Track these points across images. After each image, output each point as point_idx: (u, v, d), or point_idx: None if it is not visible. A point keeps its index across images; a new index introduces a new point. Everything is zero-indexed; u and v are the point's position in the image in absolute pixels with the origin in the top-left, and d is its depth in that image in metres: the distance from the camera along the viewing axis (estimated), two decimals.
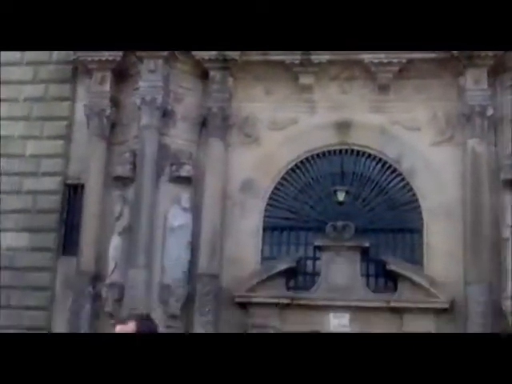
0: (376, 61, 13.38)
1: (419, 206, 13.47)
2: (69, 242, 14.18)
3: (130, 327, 4.44)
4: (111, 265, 13.44)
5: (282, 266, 13.29)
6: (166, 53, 13.60)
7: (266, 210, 13.85)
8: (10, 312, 13.65)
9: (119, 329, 4.20)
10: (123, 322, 4.78)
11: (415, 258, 13.32)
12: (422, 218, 13.42)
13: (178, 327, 12.93)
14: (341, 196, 13.69)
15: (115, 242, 13.54)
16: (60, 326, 13.56)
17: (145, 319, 4.93)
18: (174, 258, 13.41)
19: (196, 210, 13.61)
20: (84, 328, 13.10)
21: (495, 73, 13.25)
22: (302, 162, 14.00)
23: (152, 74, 13.70)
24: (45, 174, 14.33)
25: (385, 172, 13.77)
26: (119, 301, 13.03)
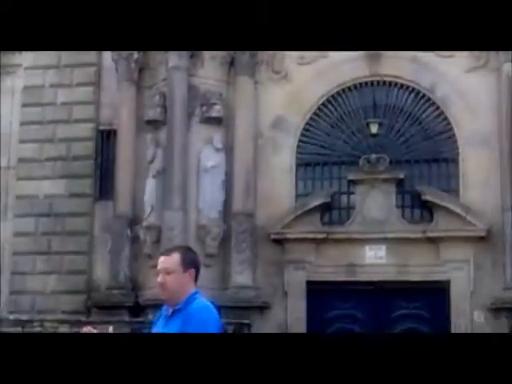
0: None
1: (454, 135, 13.24)
2: (104, 187, 14.35)
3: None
4: (147, 208, 13.58)
5: (317, 201, 13.26)
6: None
7: (298, 147, 13.77)
8: (50, 257, 13.98)
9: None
10: (168, 253, 4.87)
11: (451, 187, 13.16)
12: (457, 147, 13.20)
13: (215, 265, 13.08)
14: (374, 128, 13.52)
15: (150, 186, 13.66)
16: (100, 269, 13.86)
17: (188, 250, 5.01)
18: (208, 198, 13.48)
19: (228, 150, 13.61)
20: (124, 270, 13.37)
21: None
22: (332, 96, 13.81)
23: None
24: (77, 121, 14.44)
25: (418, 102, 13.52)
26: (157, 242, 13.22)
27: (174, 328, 4.55)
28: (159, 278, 4.48)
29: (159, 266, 4.57)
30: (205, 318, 4.58)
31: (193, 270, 4.61)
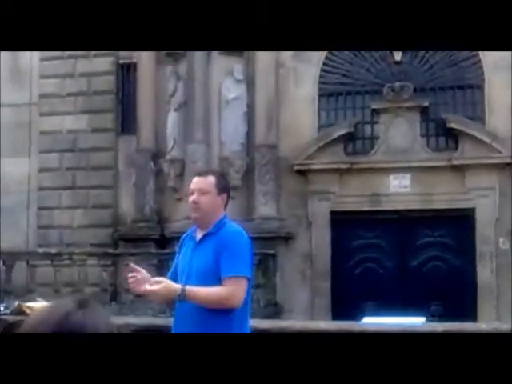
0: None
1: (479, 61, 12.96)
2: (127, 121, 14.34)
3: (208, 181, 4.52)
4: (170, 141, 13.58)
5: (340, 131, 13.16)
6: None
7: (320, 77, 13.58)
8: (76, 192, 14.11)
9: None
10: (203, 174, 4.87)
11: (476, 114, 12.97)
12: (482, 73, 12.95)
13: (239, 197, 13.11)
14: (397, 56, 13.27)
15: (172, 119, 13.61)
16: (126, 203, 13.98)
17: (222, 175, 5.01)
18: (230, 130, 13.43)
19: (250, 81, 13.47)
20: (149, 203, 13.48)
21: None
22: None
23: None
24: (97, 56, 14.32)
25: None
26: (181, 175, 13.26)
27: (206, 252, 4.56)
28: (194, 197, 4.47)
29: (193, 186, 4.55)
30: (240, 241, 4.60)
31: (225, 196, 4.60)
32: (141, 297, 9.90)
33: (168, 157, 13.53)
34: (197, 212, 4.54)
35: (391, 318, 6.44)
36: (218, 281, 4.53)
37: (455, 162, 12.59)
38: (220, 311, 4.29)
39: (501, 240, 12.33)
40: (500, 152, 12.44)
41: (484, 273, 12.29)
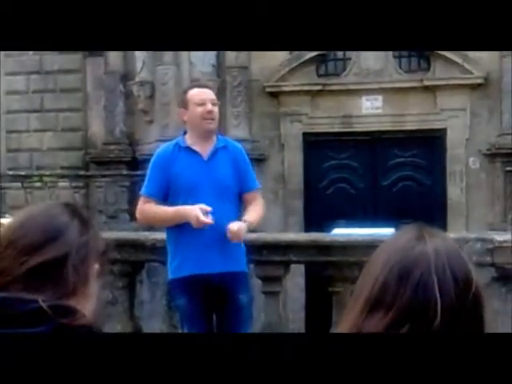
0: None
1: None
2: None
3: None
4: (139, 63, 13.33)
5: (312, 53, 13.02)
6: None
7: None
8: (44, 115, 13.85)
9: None
10: (207, 87, 4.81)
11: None
12: None
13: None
14: None
15: None
16: (96, 126, 13.79)
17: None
18: (201, 52, 13.21)
19: None
20: (119, 126, 13.33)
21: None
22: None
23: None
24: None
25: None
26: (151, 97, 13.09)
27: (224, 166, 4.54)
28: (210, 108, 4.45)
29: (205, 97, 4.52)
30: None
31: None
32: (114, 218, 9.96)
33: (137, 79, 13.30)
34: (213, 123, 4.54)
35: (361, 230, 6.53)
36: (234, 195, 4.55)
37: (427, 83, 12.60)
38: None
39: (471, 159, 12.49)
40: (471, 73, 12.47)
41: (454, 191, 12.49)
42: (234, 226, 4.29)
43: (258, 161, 13.01)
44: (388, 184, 12.86)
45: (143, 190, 4.54)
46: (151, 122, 13.08)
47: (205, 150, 4.57)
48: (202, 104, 4.50)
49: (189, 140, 4.55)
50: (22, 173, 12.46)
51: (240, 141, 12.70)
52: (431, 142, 12.83)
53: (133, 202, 12.65)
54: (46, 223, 1.66)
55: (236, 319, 4.53)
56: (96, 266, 1.69)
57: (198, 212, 4.15)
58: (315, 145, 13.00)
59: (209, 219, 4.17)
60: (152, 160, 4.57)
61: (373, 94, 12.82)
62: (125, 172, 12.67)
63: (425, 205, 12.29)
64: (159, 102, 12.95)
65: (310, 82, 13.03)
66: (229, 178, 4.55)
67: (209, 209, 4.19)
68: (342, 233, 6.49)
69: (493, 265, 5.18)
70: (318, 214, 12.41)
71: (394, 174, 12.86)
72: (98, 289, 1.72)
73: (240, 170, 4.64)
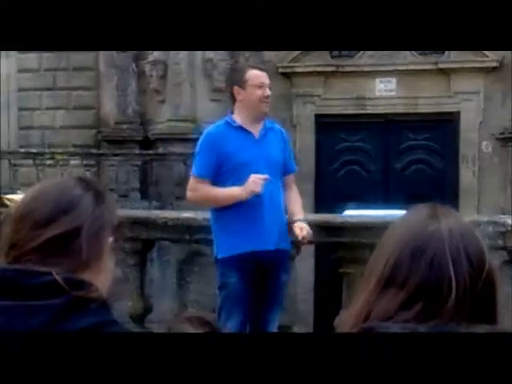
0: None
1: None
2: None
3: None
4: None
5: None
6: None
7: None
8: (56, 93, 13.85)
9: None
10: (263, 69, 4.85)
11: None
12: None
13: (223, 101, 12.98)
14: None
15: None
16: (108, 105, 13.78)
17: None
18: None
19: None
20: (132, 105, 13.32)
21: None
22: None
23: None
24: None
25: None
26: (163, 77, 13.06)
27: (274, 145, 4.69)
28: (268, 91, 4.51)
29: (264, 80, 4.58)
30: None
31: None
32: (125, 196, 9.98)
33: (150, 58, 13.27)
34: (267, 106, 4.61)
35: (373, 211, 6.52)
36: (281, 172, 4.66)
37: (441, 66, 12.50)
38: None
39: (484, 143, 12.42)
40: (486, 56, 12.36)
41: (466, 175, 12.43)
42: (303, 231, 4.44)
43: None
44: (400, 167, 12.81)
45: (195, 170, 4.52)
46: (163, 101, 13.06)
47: (256, 129, 4.61)
48: (262, 87, 4.54)
49: (239, 120, 4.54)
50: (34, 150, 12.48)
51: None
52: (444, 126, 12.75)
53: (144, 181, 12.70)
54: (59, 196, 1.65)
55: (275, 298, 4.59)
56: (110, 240, 1.68)
57: (253, 178, 4.27)
58: (327, 126, 12.95)
59: (264, 177, 4.30)
60: (202, 139, 4.52)
61: (387, 76, 12.75)
62: (137, 151, 12.69)
63: (437, 188, 12.23)
64: (171, 82, 12.93)
65: (324, 63, 12.96)
66: (279, 156, 4.67)
67: (264, 176, 4.28)
68: (353, 214, 6.48)
69: (504, 248, 5.16)
70: (328, 197, 12.38)
71: (407, 156, 12.81)
72: (112, 263, 1.71)
73: (285, 151, 4.74)
